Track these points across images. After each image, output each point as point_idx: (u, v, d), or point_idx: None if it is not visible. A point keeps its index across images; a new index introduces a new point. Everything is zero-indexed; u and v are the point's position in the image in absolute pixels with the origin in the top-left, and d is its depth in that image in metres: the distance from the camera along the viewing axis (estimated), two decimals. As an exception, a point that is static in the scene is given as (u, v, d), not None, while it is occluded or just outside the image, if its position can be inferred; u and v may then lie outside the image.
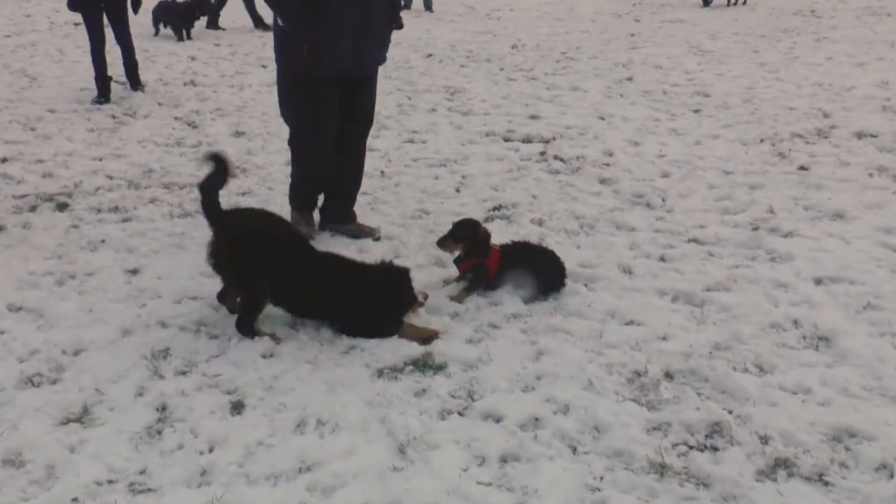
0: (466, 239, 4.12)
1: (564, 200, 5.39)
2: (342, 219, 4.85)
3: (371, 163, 6.18)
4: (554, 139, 6.76)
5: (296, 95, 4.47)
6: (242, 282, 3.66)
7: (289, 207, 5.15)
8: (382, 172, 5.95)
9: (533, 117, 7.46)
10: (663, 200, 5.37)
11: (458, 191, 5.57)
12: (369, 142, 6.55)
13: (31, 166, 6.05)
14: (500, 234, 4.81)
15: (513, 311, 3.94)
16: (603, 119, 7.37)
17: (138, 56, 10.00)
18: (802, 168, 5.93)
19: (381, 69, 9.46)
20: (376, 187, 5.64)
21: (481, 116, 7.54)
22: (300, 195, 4.87)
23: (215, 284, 4.15)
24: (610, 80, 8.88)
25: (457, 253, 4.16)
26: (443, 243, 4.17)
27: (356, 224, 4.86)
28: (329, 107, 4.48)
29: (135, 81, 8.40)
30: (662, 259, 4.53)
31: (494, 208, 5.26)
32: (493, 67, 9.70)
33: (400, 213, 5.18)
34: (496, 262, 4.09)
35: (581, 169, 6.01)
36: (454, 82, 8.91)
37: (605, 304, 3.99)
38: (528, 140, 6.77)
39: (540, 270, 4.06)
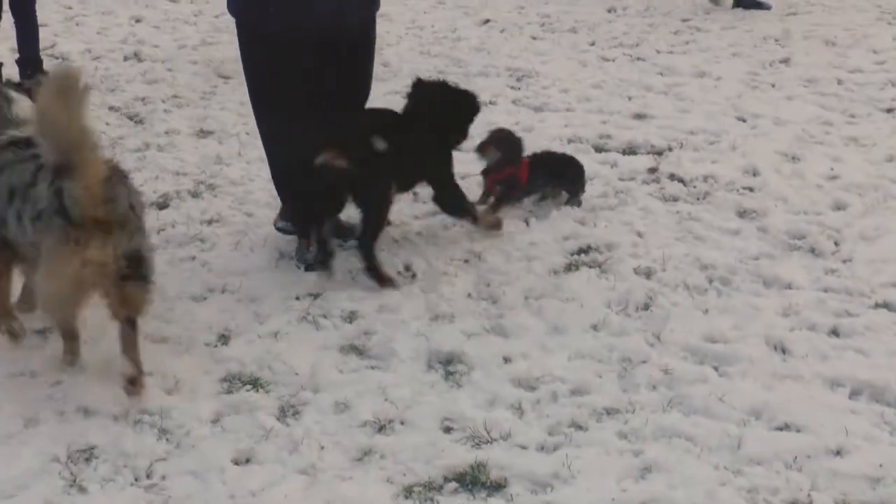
0: (506, 145, 5.77)
1: (685, 241, 5.42)
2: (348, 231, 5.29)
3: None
4: (670, 150, 6.81)
5: (259, 65, 4.93)
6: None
7: (275, 243, 5.29)
8: (415, 193, 6.04)
9: (639, 116, 7.51)
10: (836, 244, 5.38)
11: (526, 223, 5.63)
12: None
13: None
14: (591, 287, 4.89)
15: (606, 404, 3.97)
16: (744, 121, 7.39)
17: (55, 14, 10.27)
18: None
19: (416, 41, 9.76)
20: (406, 215, 5.74)
21: (562, 114, 7.61)
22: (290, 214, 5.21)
23: (167, 351, 4.23)
24: (756, 63, 8.92)
25: (484, 164, 5.79)
26: (482, 148, 5.75)
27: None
28: (309, 80, 4.96)
29: (29, 74, 7.61)
30: (835, 333, 4.53)
31: (580, 251, 5.32)
32: (581, 41, 9.81)
33: (442, 255, 5.27)
34: (526, 173, 5.72)
35: (710, 195, 6.04)
36: (522, 62, 9.03)
37: (747, 397, 4.00)
38: (631, 150, 6.83)
39: (565, 177, 5.90)
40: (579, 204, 5.81)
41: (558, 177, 5.90)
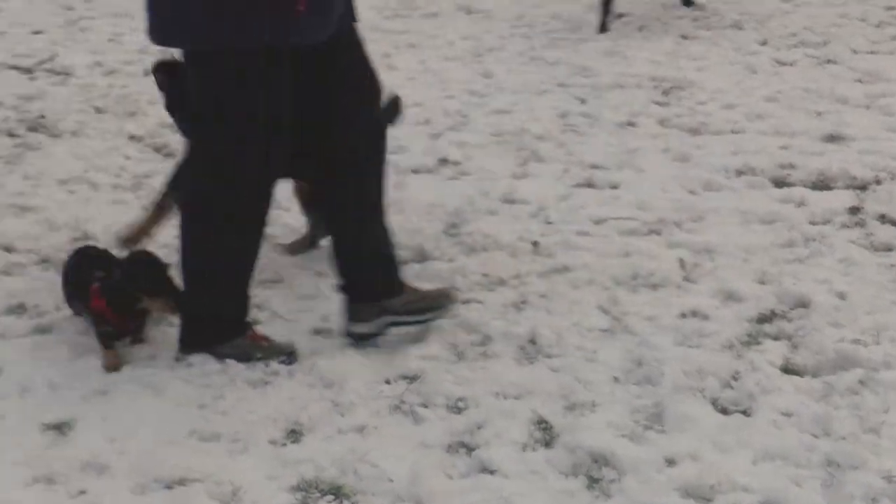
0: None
1: (907, 304, 5.45)
2: (389, 292, 5.24)
3: (510, 225, 6.41)
4: (878, 183, 6.83)
5: (246, 90, 4.84)
6: None
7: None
8: (535, 244, 6.13)
9: (832, 138, 7.58)
10: None
11: (685, 279, 5.72)
12: (510, 188, 6.87)
13: None
14: (779, 365, 4.93)
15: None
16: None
17: (52, 17, 10.62)
18: None
19: (525, 44, 9.90)
20: (525, 272, 5.85)
21: (727, 137, 7.68)
22: (228, 299, 5.13)
23: (220, 451, 4.34)
24: None
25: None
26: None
27: (415, 291, 5.32)
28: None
29: None
30: None
31: (761, 318, 5.37)
32: (748, 39, 9.88)
33: (577, 323, 5.35)
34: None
35: (937, 242, 6.07)
36: (670, 69, 9.11)
37: None
38: (823, 184, 6.88)
39: None
40: None
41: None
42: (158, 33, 4.83)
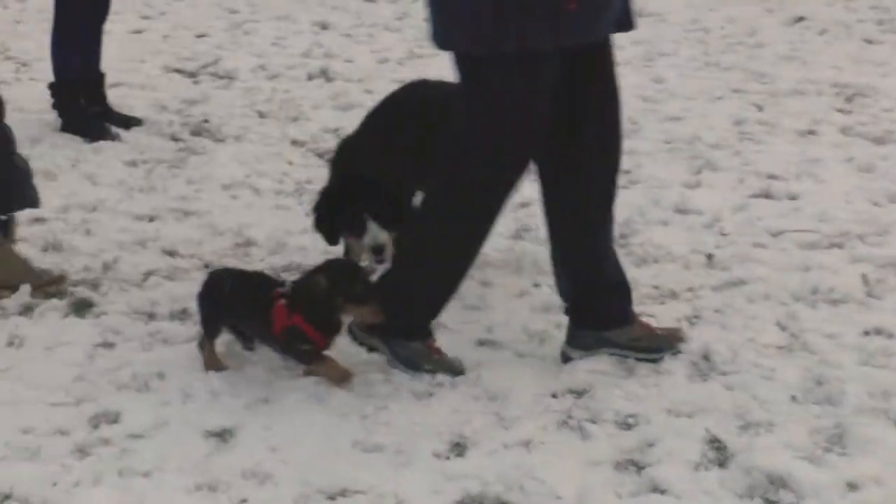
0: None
1: None
2: (618, 323, 5.16)
3: (682, 236, 6.39)
4: None
5: (512, 97, 4.84)
6: None
7: (522, 321, 5.41)
8: (709, 256, 6.09)
9: None
10: None
11: (869, 295, 5.64)
12: (682, 198, 6.85)
13: (20, 228, 6.65)
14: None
15: None
16: None
17: (217, 21, 10.86)
18: None
19: (699, 49, 9.87)
20: (699, 285, 5.82)
21: (915, 146, 7.57)
22: (437, 297, 5.17)
23: (383, 462, 4.40)
24: None
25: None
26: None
27: (644, 326, 5.22)
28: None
29: (99, 117, 8.35)
30: None
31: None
32: (938, 43, 9.72)
33: (752, 339, 5.29)
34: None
35: None
36: (853, 75, 8.99)
37: None
38: None
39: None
40: None
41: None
42: (440, 38, 4.90)
